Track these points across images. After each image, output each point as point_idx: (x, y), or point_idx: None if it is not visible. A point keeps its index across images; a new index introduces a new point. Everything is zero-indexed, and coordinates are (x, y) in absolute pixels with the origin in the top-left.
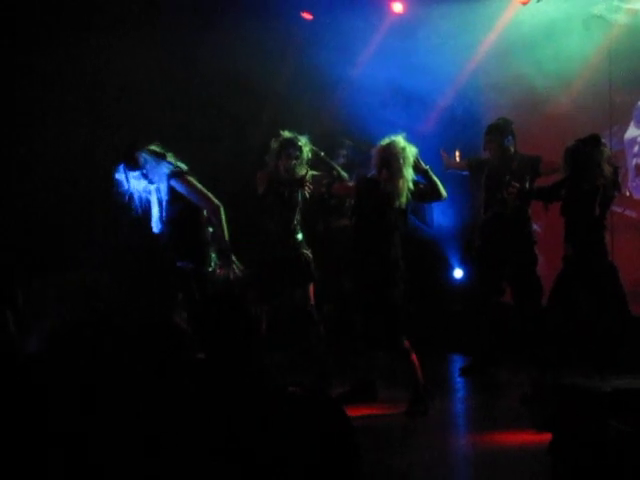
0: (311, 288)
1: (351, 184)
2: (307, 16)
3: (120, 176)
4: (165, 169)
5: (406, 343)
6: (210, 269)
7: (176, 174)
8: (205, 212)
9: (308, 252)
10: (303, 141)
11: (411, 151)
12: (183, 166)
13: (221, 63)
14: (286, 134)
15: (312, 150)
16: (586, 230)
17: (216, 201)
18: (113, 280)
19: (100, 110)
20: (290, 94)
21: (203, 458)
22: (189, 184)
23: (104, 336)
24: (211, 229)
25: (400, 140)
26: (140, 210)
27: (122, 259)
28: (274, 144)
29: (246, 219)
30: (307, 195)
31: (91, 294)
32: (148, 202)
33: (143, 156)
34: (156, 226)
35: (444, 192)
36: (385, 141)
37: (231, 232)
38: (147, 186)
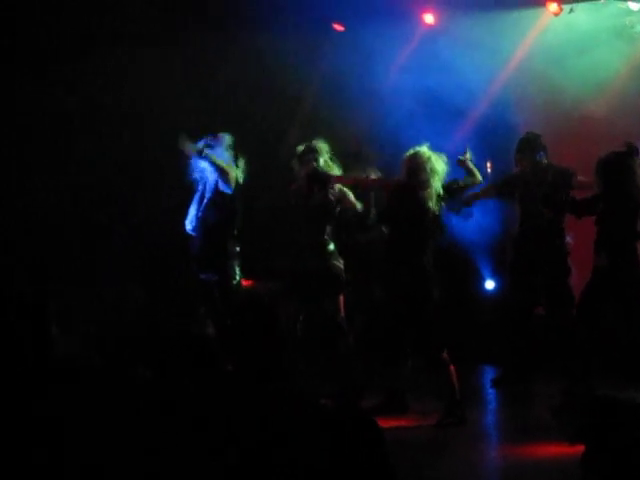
0: (341, 299)
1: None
2: (338, 27)
3: (199, 152)
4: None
5: (445, 354)
6: (234, 282)
7: (223, 171)
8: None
9: (339, 263)
10: (320, 145)
11: (437, 160)
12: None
13: (251, 73)
14: (321, 144)
15: (331, 157)
16: (621, 241)
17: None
18: (139, 293)
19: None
20: (320, 105)
21: (234, 470)
22: (221, 169)
23: (133, 348)
24: (238, 248)
25: (425, 150)
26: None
27: (147, 271)
28: (297, 154)
29: (279, 230)
30: (334, 204)
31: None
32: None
33: (226, 139)
34: (190, 224)
35: (480, 177)
36: (410, 152)
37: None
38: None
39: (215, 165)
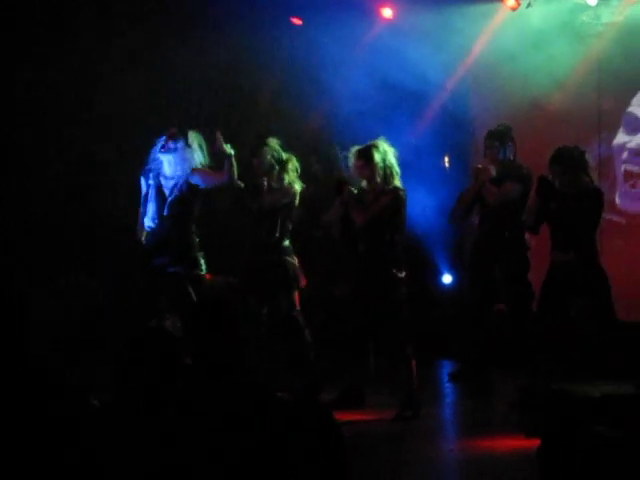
0: (296, 294)
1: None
2: (296, 21)
3: (157, 150)
4: (188, 165)
5: (409, 348)
6: (202, 273)
7: (195, 170)
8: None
9: (291, 259)
10: (272, 142)
11: (388, 151)
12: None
13: (206, 68)
14: (270, 140)
15: (278, 152)
16: (583, 235)
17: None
18: (108, 286)
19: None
20: (278, 99)
21: (190, 461)
22: (205, 172)
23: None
24: (197, 239)
25: (381, 143)
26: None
27: (114, 265)
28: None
29: (236, 224)
30: (289, 201)
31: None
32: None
33: (193, 137)
34: (152, 221)
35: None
36: (364, 146)
37: (218, 241)
38: (173, 172)
39: (230, 160)
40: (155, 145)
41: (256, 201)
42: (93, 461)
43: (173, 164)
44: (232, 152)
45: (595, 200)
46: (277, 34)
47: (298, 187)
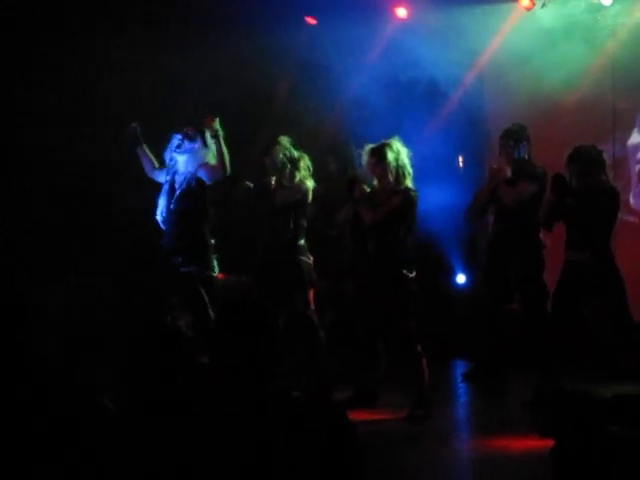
0: (310, 293)
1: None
2: (311, 20)
3: (173, 149)
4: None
5: (419, 347)
6: (214, 274)
7: (203, 165)
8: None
9: (307, 258)
10: (283, 141)
11: (401, 151)
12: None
13: (222, 66)
14: (282, 139)
15: (290, 151)
16: (599, 235)
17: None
18: (115, 285)
19: (105, 114)
20: (293, 98)
21: (204, 461)
22: (210, 166)
23: (108, 339)
24: (213, 241)
25: (395, 143)
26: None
27: (124, 264)
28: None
29: (251, 223)
30: (302, 199)
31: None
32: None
33: (199, 144)
34: (160, 215)
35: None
36: (378, 144)
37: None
38: (185, 169)
39: (222, 151)
40: (170, 142)
41: (265, 201)
42: (102, 461)
43: (186, 162)
44: (221, 132)
45: (611, 199)
46: (292, 34)
47: (310, 184)
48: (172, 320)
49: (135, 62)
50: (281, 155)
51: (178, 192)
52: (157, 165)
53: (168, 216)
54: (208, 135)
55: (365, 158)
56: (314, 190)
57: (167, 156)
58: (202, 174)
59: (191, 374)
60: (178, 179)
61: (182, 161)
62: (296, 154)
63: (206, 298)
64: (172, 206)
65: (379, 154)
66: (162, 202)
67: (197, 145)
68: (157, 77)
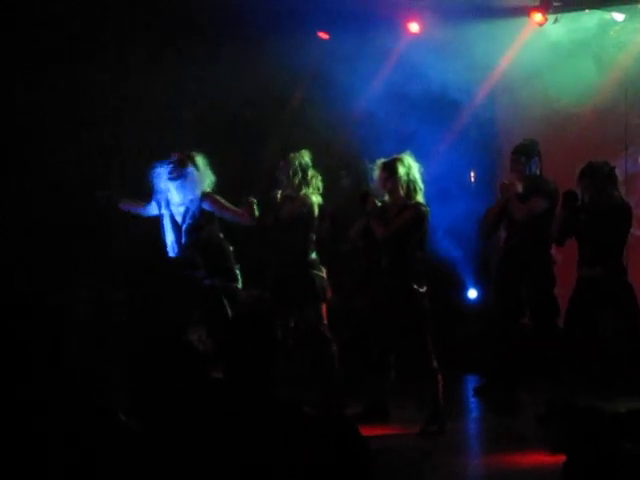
0: (323, 307)
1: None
2: (323, 35)
3: (164, 178)
4: (198, 189)
5: (435, 363)
6: (238, 285)
7: (205, 195)
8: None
9: (319, 272)
10: (304, 153)
11: (415, 168)
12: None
13: (236, 81)
14: (304, 151)
15: (308, 162)
16: (611, 251)
17: (246, 213)
18: (129, 297)
19: (115, 125)
20: (306, 113)
21: (217, 476)
22: (218, 202)
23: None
24: (232, 248)
25: (407, 158)
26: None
27: (140, 276)
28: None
29: (263, 238)
30: (310, 213)
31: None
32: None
33: (199, 159)
34: (173, 251)
35: None
36: (389, 159)
37: (243, 254)
38: (183, 199)
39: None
40: (154, 171)
41: (270, 214)
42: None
43: (182, 190)
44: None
45: (624, 215)
46: (304, 48)
47: (315, 200)
48: (185, 334)
49: (145, 72)
50: (297, 163)
51: (185, 226)
52: (143, 203)
53: (181, 250)
54: (199, 159)
55: (376, 172)
56: (320, 206)
57: (155, 187)
58: (208, 206)
59: (202, 389)
60: (177, 210)
61: (174, 189)
62: (311, 171)
63: (229, 311)
64: (184, 240)
65: (390, 169)
66: (170, 237)
67: (189, 170)
68: (164, 89)
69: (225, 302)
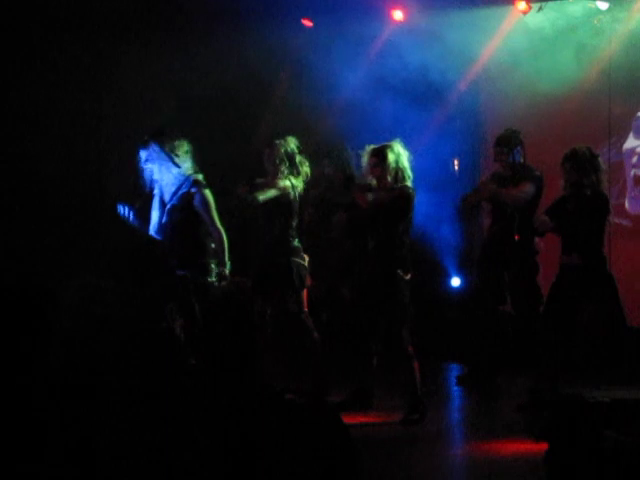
0: (304, 295)
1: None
2: (307, 23)
3: (146, 157)
4: (185, 172)
5: (410, 349)
6: (211, 279)
7: (199, 183)
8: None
9: (300, 259)
10: (290, 140)
11: (402, 154)
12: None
13: (220, 68)
14: (290, 138)
15: (295, 149)
16: (592, 239)
17: (221, 228)
18: (113, 286)
19: (105, 115)
20: (289, 100)
21: (197, 465)
22: (206, 199)
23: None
24: (213, 245)
25: (396, 145)
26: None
27: (122, 265)
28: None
29: (247, 224)
30: (292, 199)
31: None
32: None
33: (176, 145)
34: (154, 230)
35: None
36: (379, 145)
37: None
38: (167, 179)
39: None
40: (138, 156)
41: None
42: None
43: (162, 170)
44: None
45: (596, 204)
46: (288, 36)
47: (289, 183)
48: (168, 323)
49: (132, 65)
50: (283, 151)
51: (168, 206)
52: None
53: (161, 229)
54: (166, 138)
55: (365, 158)
56: (302, 192)
57: (139, 169)
58: (198, 199)
59: (181, 376)
60: (167, 189)
61: (157, 170)
62: (298, 158)
63: (195, 303)
64: (164, 219)
65: (380, 155)
66: (155, 216)
67: (153, 151)
68: (151, 75)
69: (192, 294)
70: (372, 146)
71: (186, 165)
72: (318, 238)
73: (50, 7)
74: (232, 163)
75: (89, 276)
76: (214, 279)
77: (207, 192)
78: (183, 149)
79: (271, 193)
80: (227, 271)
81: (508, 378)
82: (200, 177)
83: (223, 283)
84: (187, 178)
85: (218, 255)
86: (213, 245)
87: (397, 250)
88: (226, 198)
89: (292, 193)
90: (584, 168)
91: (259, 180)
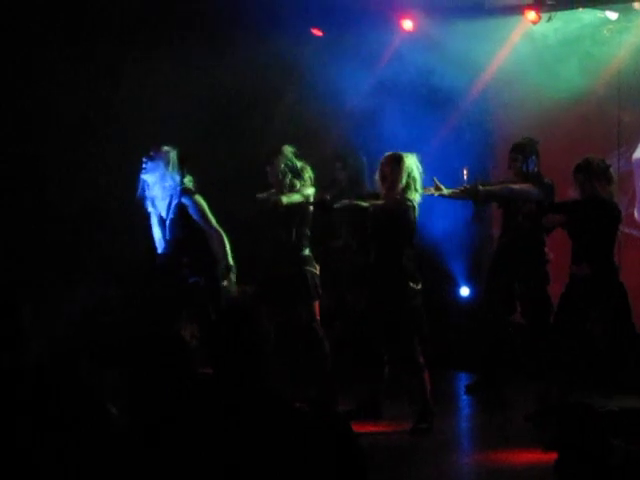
0: (316, 305)
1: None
2: (317, 32)
3: (147, 175)
4: (176, 183)
5: (421, 359)
6: (224, 285)
7: (188, 191)
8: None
9: (313, 269)
10: (286, 150)
11: (415, 165)
12: (190, 184)
13: (230, 78)
14: (285, 148)
15: (292, 161)
16: (602, 250)
17: (219, 229)
18: (120, 295)
19: (112, 124)
20: (299, 110)
21: (207, 473)
22: (199, 206)
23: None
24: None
25: (412, 157)
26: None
27: (130, 274)
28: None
29: (255, 234)
30: (304, 208)
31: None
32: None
33: (172, 155)
34: (160, 246)
35: None
36: (387, 155)
37: (235, 250)
38: (162, 193)
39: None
40: (141, 168)
41: (266, 214)
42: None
43: (159, 184)
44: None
45: (609, 213)
46: (298, 45)
47: (310, 191)
48: (177, 330)
49: (142, 76)
50: (282, 165)
51: (168, 222)
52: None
53: (166, 246)
54: (172, 154)
55: (381, 164)
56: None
57: (139, 183)
58: (192, 208)
59: (192, 384)
60: (160, 205)
61: (153, 183)
62: (299, 164)
63: (211, 310)
64: (167, 235)
65: (395, 162)
66: (157, 234)
67: (159, 163)
68: (158, 82)
69: (209, 300)
70: (389, 153)
71: (176, 178)
72: (326, 247)
73: (52, 10)
74: (239, 172)
75: (95, 284)
76: (225, 284)
77: (198, 198)
78: (176, 157)
79: (295, 198)
80: (233, 272)
81: (517, 387)
82: (189, 185)
83: (229, 284)
84: (175, 189)
85: (218, 255)
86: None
87: (405, 262)
88: (245, 206)
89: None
90: (596, 178)
91: (259, 195)
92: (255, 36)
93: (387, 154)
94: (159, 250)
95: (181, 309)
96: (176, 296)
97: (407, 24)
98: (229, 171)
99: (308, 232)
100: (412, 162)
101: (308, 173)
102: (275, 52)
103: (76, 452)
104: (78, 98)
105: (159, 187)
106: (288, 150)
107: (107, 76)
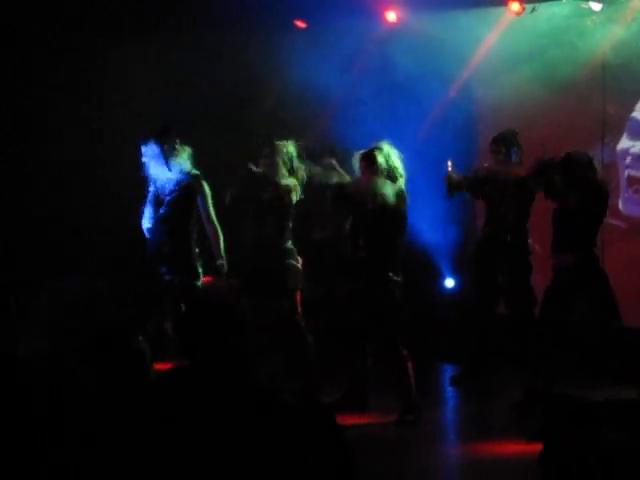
0: (298, 296)
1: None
2: (301, 24)
3: (149, 153)
4: (185, 170)
5: (404, 350)
6: (199, 283)
7: (199, 177)
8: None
9: (294, 261)
10: (290, 145)
11: (395, 156)
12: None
13: (209, 71)
14: (291, 143)
15: (293, 153)
16: (585, 240)
17: (217, 224)
18: (108, 289)
19: (104, 117)
20: (282, 102)
21: (190, 467)
22: (207, 196)
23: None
24: (197, 249)
25: (384, 145)
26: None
27: (118, 268)
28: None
29: (239, 226)
30: (287, 199)
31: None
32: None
33: (167, 148)
34: (147, 222)
35: None
36: (367, 149)
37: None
38: (165, 175)
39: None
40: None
41: (252, 198)
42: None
43: (159, 167)
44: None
45: (595, 194)
46: (281, 37)
47: (292, 182)
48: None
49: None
50: (284, 151)
51: (168, 199)
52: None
53: (155, 224)
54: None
55: (356, 164)
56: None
57: (145, 166)
58: (202, 211)
59: (169, 378)
60: (163, 186)
61: (154, 166)
62: (296, 162)
63: (184, 308)
64: (161, 212)
65: (369, 158)
66: (148, 211)
67: (154, 147)
68: (147, 76)
69: (182, 300)
70: (361, 151)
71: (186, 165)
72: (307, 240)
73: (49, 7)
74: (226, 163)
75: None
76: (200, 282)
77: (206, 185)
78: (184, 154)
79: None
80: (224, 265)
81: (502, 379)
82: (198, 172)
83: (218, 278)
84: (186, 174)
85: (212, 249)
86: (197, 250)
87: (389, 252)
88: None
89: (293, 195)
90: (582, 173)
91: (254, 169)
92: (238, 28)
93: (359, 153)
94: (146, 225)
95: (151, 307)
96: (149, 293)
97: (391, 16)
98: (215, 164)
99: (289, 225)
100: (386, 151)
101: (301, 173)
102: (259, 44)
103: (63, 450)
104: (69, 92)
105: (160, 172)
106: (292, 146)
107: (100, 70)
